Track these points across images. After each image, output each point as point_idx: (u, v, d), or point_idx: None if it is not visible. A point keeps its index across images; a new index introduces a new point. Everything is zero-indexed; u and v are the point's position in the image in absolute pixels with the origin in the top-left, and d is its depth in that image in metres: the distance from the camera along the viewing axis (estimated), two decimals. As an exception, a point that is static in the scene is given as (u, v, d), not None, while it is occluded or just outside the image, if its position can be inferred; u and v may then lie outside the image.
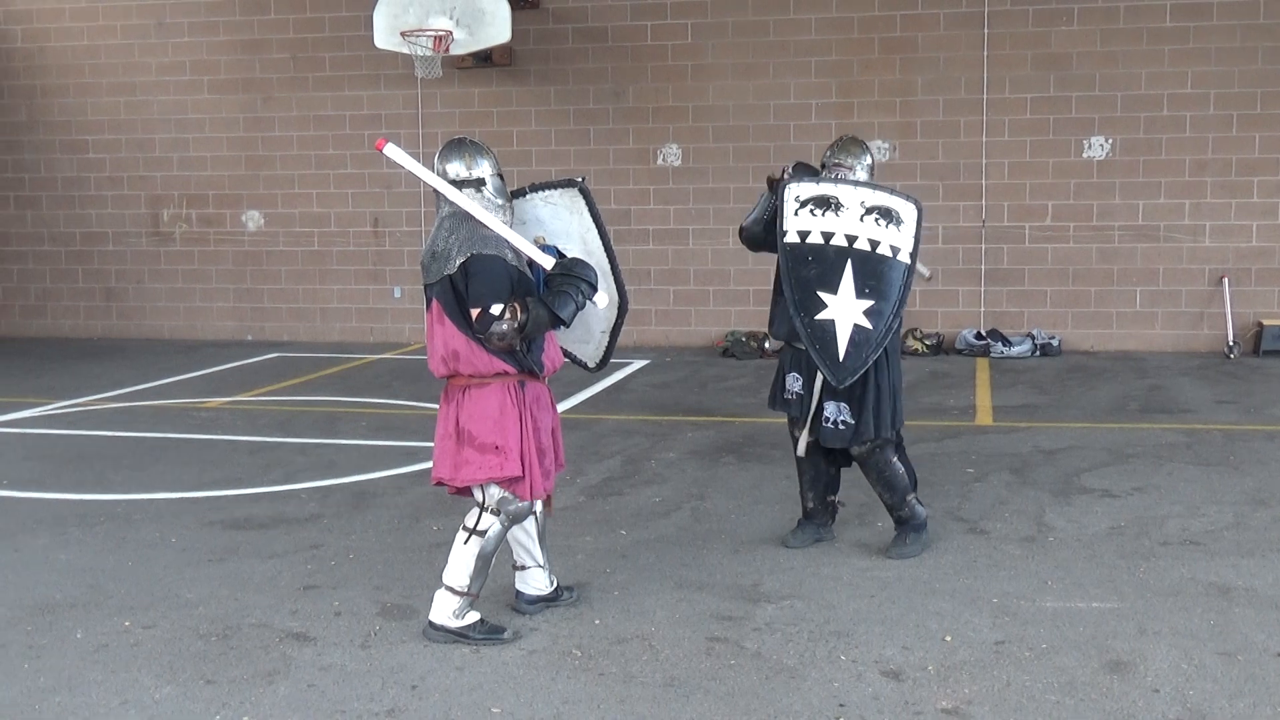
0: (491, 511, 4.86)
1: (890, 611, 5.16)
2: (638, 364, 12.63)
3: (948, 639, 4.84)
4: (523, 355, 4.76)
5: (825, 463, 6.12)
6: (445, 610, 4.87)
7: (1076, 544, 6.09)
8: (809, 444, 6.01)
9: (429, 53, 12.34)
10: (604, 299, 4.87)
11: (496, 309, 4.59)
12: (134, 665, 4.67)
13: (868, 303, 5.60)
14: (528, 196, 4.99)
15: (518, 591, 5.23)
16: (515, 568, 5.23)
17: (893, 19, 13.47)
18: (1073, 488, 7.22)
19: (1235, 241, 13.07)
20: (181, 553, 6.12)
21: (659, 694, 4.36)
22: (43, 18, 15.50)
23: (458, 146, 4.86)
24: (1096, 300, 13.39)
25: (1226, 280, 13.02)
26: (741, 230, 6.15)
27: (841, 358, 5.63)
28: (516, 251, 4.72)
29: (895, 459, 5.95)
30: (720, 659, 4.67)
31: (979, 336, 13.19)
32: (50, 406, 10.44)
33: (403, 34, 12.30)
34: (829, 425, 5.84)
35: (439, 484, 4.95)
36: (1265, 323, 12.89)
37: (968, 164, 13.46)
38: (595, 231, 4.98)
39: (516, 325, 4.60)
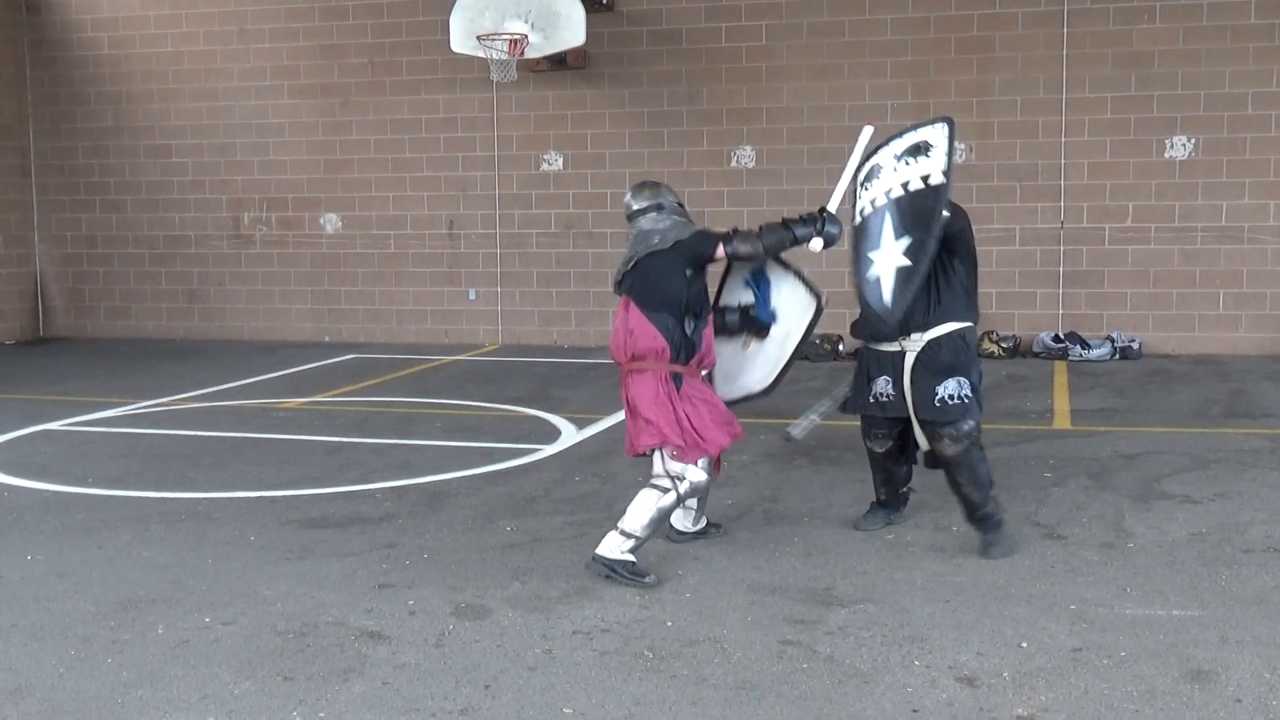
0: (674, 477, 5.65)
1: (965, 617, 5.11)
2: (711, 366, 12.60)
3: (1024, 645, 4.78)
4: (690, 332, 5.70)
5: (895, 464, 6.29)
6: (613, 547, 5.57)
7: (1156, 550, 6.00)
8: (886, 450, 6.21)
9: (504, 56, 12.44)
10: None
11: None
12: (213, 661, 4.75)
13: (907, 240, 5.65)
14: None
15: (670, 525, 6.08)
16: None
17: (970, 18, 13.34)
18: (1153, 493, 7.10)
19: (1323, 243, 12.80)
20: (260, 551, 6.22)
21: (730, 696, 4.35)
22: (128, 25, 15.82)
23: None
24: (1178, 303, 13.16)
25: (1314, 282, 12.76)
26: None
27: (890, 301, 5.70)
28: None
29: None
30: (792, 662, 4.65)
31: (1057, 339, 13.01)
32: (134, 406, 10.65)
33: (479, 38, 12.42)
34: (953, 401, 5.79)
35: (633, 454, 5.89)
36: (1354, 326, 12.62)
37: (1046, 165, 13.29)
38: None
39: (752, 243, 5.74)
